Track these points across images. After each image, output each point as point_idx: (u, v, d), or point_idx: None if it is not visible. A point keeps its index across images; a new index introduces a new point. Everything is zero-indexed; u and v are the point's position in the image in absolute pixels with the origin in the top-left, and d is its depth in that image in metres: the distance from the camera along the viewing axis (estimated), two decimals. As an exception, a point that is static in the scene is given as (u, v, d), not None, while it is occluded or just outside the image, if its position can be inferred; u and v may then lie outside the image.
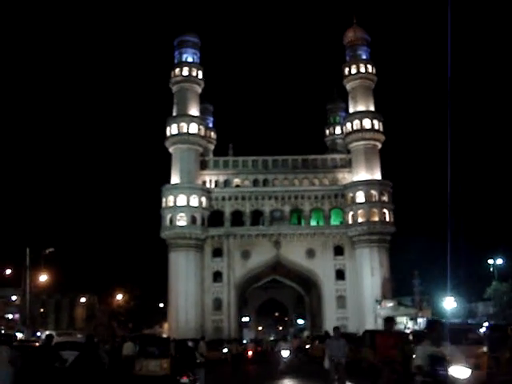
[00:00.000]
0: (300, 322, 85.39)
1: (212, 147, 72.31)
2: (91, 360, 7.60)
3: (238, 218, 61.60)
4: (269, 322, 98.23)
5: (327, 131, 76.92)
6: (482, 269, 58.25)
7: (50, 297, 71.30)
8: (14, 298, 64.93)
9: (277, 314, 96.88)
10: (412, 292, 66.65)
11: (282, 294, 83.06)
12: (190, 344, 22.79)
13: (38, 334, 52.73)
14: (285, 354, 25.75)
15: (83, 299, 71.37)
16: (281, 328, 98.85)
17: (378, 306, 55.39)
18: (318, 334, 45.22)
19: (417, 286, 65.94)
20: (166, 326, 63.15)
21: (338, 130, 74.81)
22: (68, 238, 73.46)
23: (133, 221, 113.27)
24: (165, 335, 52.21)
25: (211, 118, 75.95)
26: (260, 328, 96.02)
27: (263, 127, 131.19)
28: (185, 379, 16.09)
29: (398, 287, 62.37)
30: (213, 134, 73.79)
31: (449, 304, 55.53)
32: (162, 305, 69.85)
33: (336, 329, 17.01)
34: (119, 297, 69.46)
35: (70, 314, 73.53)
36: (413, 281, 65.92)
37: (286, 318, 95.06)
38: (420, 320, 54.07)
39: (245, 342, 60.78)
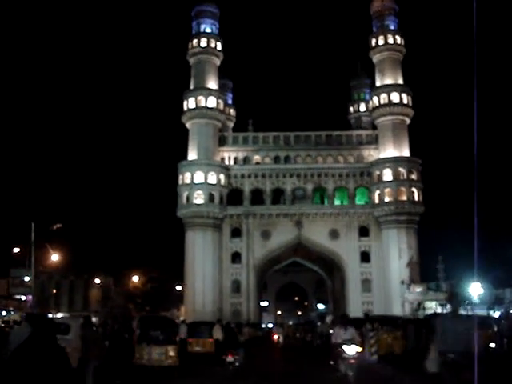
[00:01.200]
0: (320, 306, 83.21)
1: (231, 125, 69.96)
2: (38, 344, 4.97)
3: (257, 197, 59.12)
4: (288, 306, 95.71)
5: (351, 108, 73.55)
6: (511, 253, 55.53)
7: (64, 277, 69.62)
8: (27, 278, 63.16)
9: (296, 299, 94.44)
10: (437, 277, 64.18)
11: (302, 278, 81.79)
12: (232, 326, 23.54)
13: (50, 315, 50.74)
14: (350, 350, 14.15)
15: (98, 280, 69.28)
16: (300, 313, 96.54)
17: (406, 291, 52.54)
18: (350, 319, 37.81)
19: (441, 272, 63.37)
20: (183, 309, 61.08)
21: (362, 107, 71.75)
22: (81, 218, 71.33)
23: (149, 199, 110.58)
24: (182, 318, 50.06)
25: (230, 95, 73.26)
26: (279, 312, 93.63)
27: (284, 105, 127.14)
28: (230, 357, 17.56)
29: (424, 271, 59.47)
30: (232, 111, 71.48)
31: (475, 290, 52.65)
32: (179, 287, 67.62)
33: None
34: (135, 279, 67.60)
35: (84, 296, 71.66)
36: (437, 266, 63.42)
37: (306, 303, 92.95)
38: (449, 305, 51.19)
39: (263, 326, 58.71)
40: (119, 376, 13.71)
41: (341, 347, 14.60)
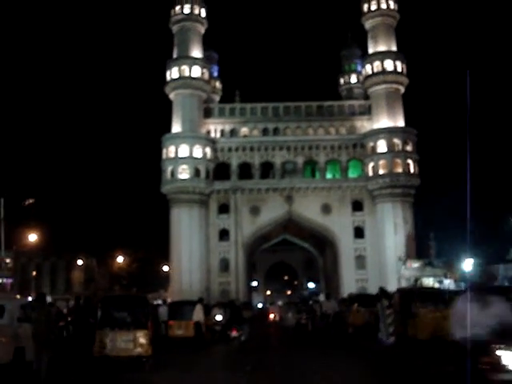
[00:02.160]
0: (311, 285, 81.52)
1: (217, 98, 67.33)
2: None
3: (246, 171, 56.55)
4: (277, 286, 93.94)
5: (342, 80, 71.18)
6: (505, 228, 53.80)
7: (45, 259, 67.18)
8: (7, 260, 60.75)
9: (286, 278, 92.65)
10: (429, 254, 62.90)
11: (292, 257, 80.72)
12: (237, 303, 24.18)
13: (30, 298, 48.19)
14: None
15: (80, 261, 66.68)
16: (289, 292, 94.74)
17: (403, 267, 50.31)
18: (357, 294, 33.88)
19: (433, 249, 61.94)
20: (170, 289, 58.78)
21: (353, 79, 69.79)
22: (61, 196, 68.02)
23: (131, 175, 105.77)
24: (169, 299, 47.61)
25: (216, 67, 70.09)
26: (268, 292, 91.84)
27: (272, 75, 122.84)
28: (234, 333, 18.19)
29: (418, 247, 57.55)
30: (218, 84, 68.57)
31: (468, 266, 50.90)
32: (166, 268, 65.28)
33: None
34: (120, 259, 65.23)
35: (66, 278, 69.15)
36: (429, 242, 62.04)
37: (296, 282, 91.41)
38: (447, 281, 49.32)
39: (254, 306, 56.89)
40: (76, 370, 10.98)
41: (489, 350, 6.18)
